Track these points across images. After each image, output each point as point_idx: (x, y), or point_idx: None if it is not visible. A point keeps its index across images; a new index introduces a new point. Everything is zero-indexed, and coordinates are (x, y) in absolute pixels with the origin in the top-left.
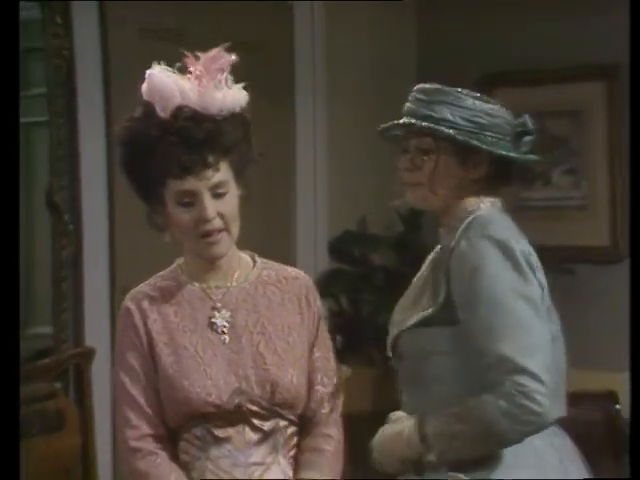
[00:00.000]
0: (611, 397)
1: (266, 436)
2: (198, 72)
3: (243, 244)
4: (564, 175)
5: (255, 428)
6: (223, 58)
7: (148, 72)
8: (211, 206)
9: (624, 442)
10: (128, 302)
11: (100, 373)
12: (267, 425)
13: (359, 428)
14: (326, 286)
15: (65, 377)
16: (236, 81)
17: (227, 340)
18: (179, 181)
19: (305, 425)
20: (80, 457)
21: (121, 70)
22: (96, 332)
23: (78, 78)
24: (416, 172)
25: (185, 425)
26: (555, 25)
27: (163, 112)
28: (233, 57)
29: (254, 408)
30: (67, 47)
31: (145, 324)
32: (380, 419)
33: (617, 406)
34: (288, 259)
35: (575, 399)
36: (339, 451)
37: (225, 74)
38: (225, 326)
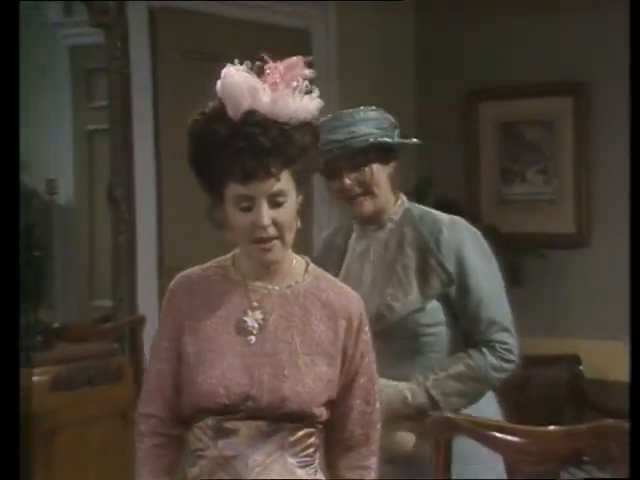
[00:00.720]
0: (575, 359)
1: (272, 434)
2: (275, 79)
3: None
4: (537, 174)
5: (262, 425)
6: (300, 68)
7: (224, 71)
8: (267, 214)
9: (584, 396)
10: (173, 284)
11: (150, 336)
12: (274, 425)
13: None
14: None
15: (122, 339)
16: None
17: (253, 341)
18: (239, 185)
19: (342, 448)
20: (134, 403)
21: (167, 86)
22: (147, 303)
23: (133, 93)
24: (357, 187)
25: (198, 414)
26: (531, 49)
27: (233, 113)
28: (309, 71)
29: (260, 414)
30: (124, 67)
31: (180, 309)
32: None
33: (580, 367)
34: (305, 248)
35: (546, 361)
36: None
37: (300, 83)
38: (254, 327)
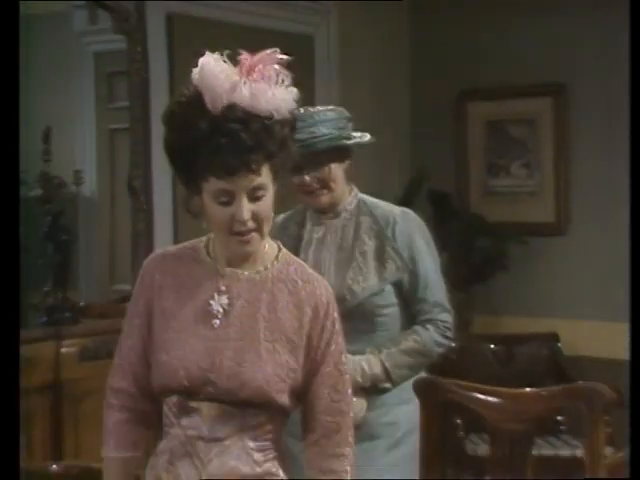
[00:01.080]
0: (554, 337)
1: (233, 416)
2: (249, 66)
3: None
4: (521, 168)
5: (223, 407)
6: (276, 56)
7: (201, 60)
8: (247, 208)
9: (563, 371)
10: (146, 262)
11: None
12: (236, 408)
13: None
14: None
15: None
16: None
17: (217, 325)
18: (220, 180)
19: (315, 437)
20: None
21: (185, 83)
22: None
23: (152, 94)
24: (316, 183)
25: (163, 392)
26: (515, 55)
27: (212, 106)
28: (286, 57)
29: (220, 397)
30: (144, 69)
31: (152, 287)
32: None
33: (558, 344)
34: None
35: (528, 338)
36: (352, 470)
37: (276, 75)
38: (219, 311)
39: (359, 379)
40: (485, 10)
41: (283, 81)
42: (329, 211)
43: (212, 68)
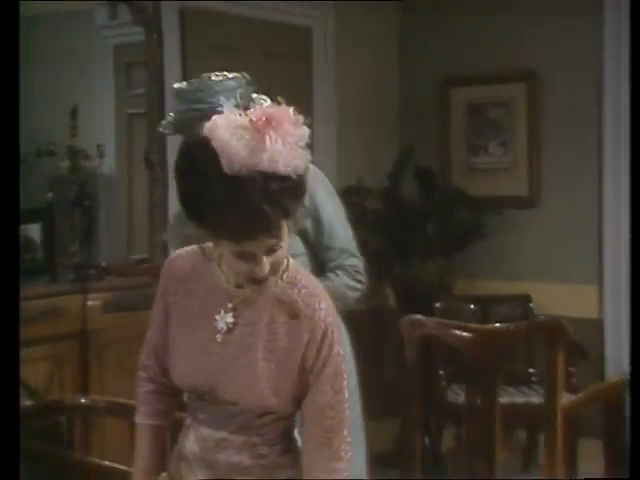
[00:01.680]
0: (527, 298)
1: (237, 416)
2: (265, 125)
3: None
4: (497, 147)
5: (227, 408)
6: (289, 114)
7: (214, 123)
8: (265, 264)
9: (536, 330)
10: (164, 268)
11: None
12: (238, 414)
13: (356, 320)
14: None
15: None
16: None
17: (220, 340)
18: (237, 244)
19: (307, 449)
20: None
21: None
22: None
23: (166, 80)
24: None
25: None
26: (492, 45)
27: (229, 169)
28: (298, 116)
29: (220, 404)
30: (159, 57)
31: (168, 292)
32: None
33: (530, 305)
34: None
35: (503, 300)
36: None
37: (292, 135)
38: (223, 328)
39: None
40: (467, 5)
41: (297, 141)
42: None
43: (227, 137)
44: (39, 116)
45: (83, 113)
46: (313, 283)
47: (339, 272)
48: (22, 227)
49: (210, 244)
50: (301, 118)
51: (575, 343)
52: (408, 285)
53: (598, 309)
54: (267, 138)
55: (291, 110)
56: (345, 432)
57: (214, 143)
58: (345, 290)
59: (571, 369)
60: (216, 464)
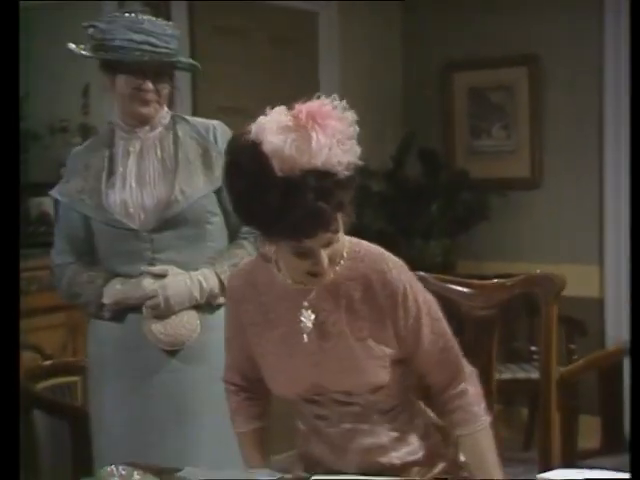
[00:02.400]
0: (533, 289)
1: (355, 402)
2: (312, 118)
3: None
4: (500, 130)
5: (343, 404)
6: (331, 109)
7: (258, 130)
8: (324, 258)
9: (536, 307)
10: (227, 285)
11: None
12: (355, 401)
13: None
14: None
15: None
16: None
17: (306, 340)
18: (296, 242)
19: (443, 392)
20: None
21: (203, 55)
22: None
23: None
24: (155, 94)
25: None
26: (495, 30)
27: (282, 172)
28: (351, 122)
29: (334, 398)
30: None
31: (238, 308)
32: None
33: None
34: None
35: (507, 287)
36: (479, 398)
37: (341, 133)
38: (308, 327)
39: (196, 295)
40: None
41: (344, 136)
42: (145, 124)
43: (277, 141)
44: (53, 95)
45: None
46: (372, 248)
47: (252, 239)
48: (37, 200)
49: (268, 248)
50: (348, 113)
51: (575, 320)
52: (412, 266)
53: (599, 289)
54: (314, 136)
55: (336, 105)
56: (463, 362)
57: (264, 147)
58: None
59: (572, 346)
60: (351, 452)
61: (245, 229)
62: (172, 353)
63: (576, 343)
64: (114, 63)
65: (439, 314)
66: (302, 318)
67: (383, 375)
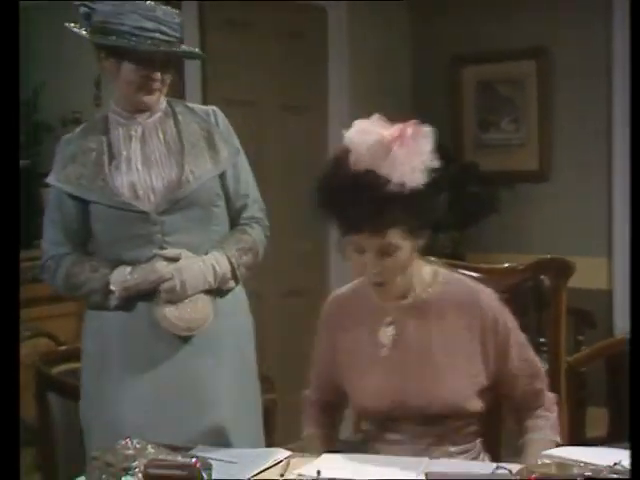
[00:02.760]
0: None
1: (430, 426)
2: (402, 137)
3: (290, 168)
4: (510, 123)
5: (420, 420)
6: (424, 130)
7: (358, 123)
8: (374, 263)
9: (544, 299)
10: (328, 303)
11: None
12: (431, 419)
13: None
14: None
15: None
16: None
17: (388, 354)
18: (352, 235)
19: (523, 411)
20: None
21: (212, 48)
22: None
23: (186, 65)
24: (159, 82)
25: (364, 416)
26: (503, 24)
27: (354, 165)
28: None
29: (413, 415)
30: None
31: (333, 325)
32: None
33: (542, 276)
34: None
35: (518, 271)
36: (555, 423)
37: (423, 149)
38: (388, 342)
39: (210, 279)
40: None
41: (421, 160)
42: (145, 111)
43: (360, 140)
44: (66, 87)
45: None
46: (464, 277)
47: (255, 225)
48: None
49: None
50: (430, 141)
51: (584, 312)
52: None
53: (607, 281)
54: (395, 150)
55: (424, 131)
56: (543, 371)
57: (349, 140)
58: (260, 244)
59: (580, 338)
60: None
61: (246, 215)
62: (184, 340)
63: (585, 335)
64: (122, 49)
65: (526, 342)
66: (380, 334)
67: (462, 395)
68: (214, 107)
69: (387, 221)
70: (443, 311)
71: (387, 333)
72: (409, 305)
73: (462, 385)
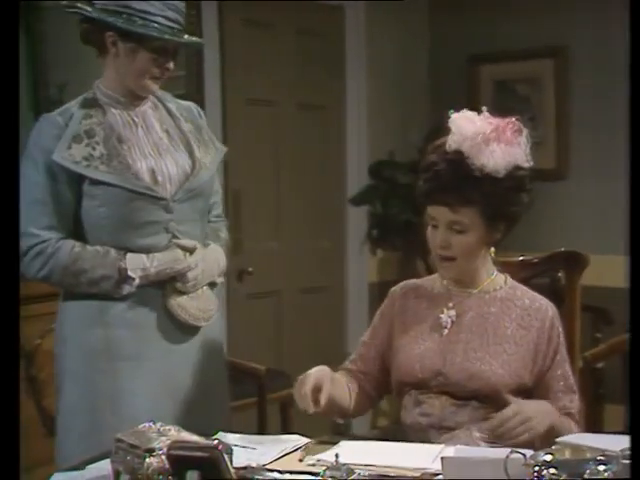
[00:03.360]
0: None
1: (461, 408)
2: (502, 130)
3: (308, 167)
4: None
5: (452, 400)
6: (520, 126)
7: (465, 113)
8: (444, 236)
9: (562, 296)
10: (394, 288)
11: None
12: (464, 400)
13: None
14: (366, 196)
15: None
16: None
17: (445, 333)
18: (428, 205)
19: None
20: None
21: (232, 48)
22: None
23: (205, 64)
24: (165, 70)
25: (401, 388)
26: (520, 23)
27: (449, 146)
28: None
29: (450, 390)
30: (198, 35)
31: (393, 308)
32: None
33: (559, 274)
34: (342, 178)
35: (532, 264)
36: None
37: (518, 141)
38: (447, 322)
39: (216, 272)
40: None
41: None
42: (141, 96)
43: (462, 128)
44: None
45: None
46: (528, 289)
47: (222, 225)
48: None
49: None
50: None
51: (601, 309)
52: None
53: (625, 279)
54: (492, 145)
55: (523, 130)
56: (575, 387)
57: (451, 123)
58: (226, 242)
59: (598, 335)
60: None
61: (216, 212)
62: (194, 329)
63: (602, 332)
64: (136, 36)
65: (568, 359)
66: (441, 315)
67: (501, 381)
68: (193, 103)
69: (463, 198)
70: (506, 308)
71: (448, 315)
72: (473, 295)
73: (505, 373)
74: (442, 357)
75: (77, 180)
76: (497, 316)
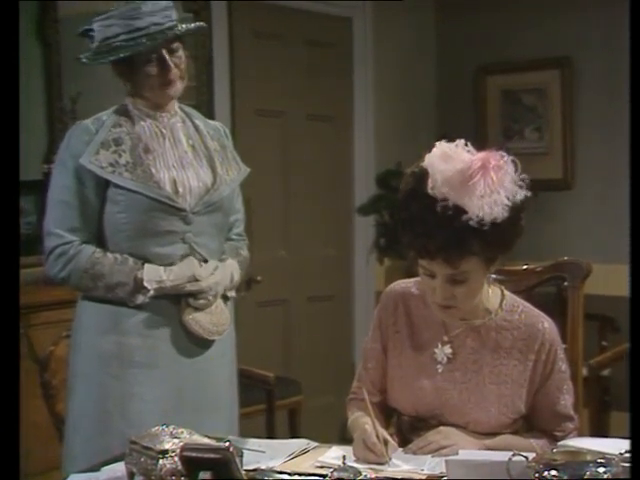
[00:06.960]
0: (562, 278)
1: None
2: (484, 169)
3: (316, 177)
4: (533, 131)
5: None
6: (507, 166)
7: (440, 146)
8: (444, 290)
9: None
10: (384, 295)
11: None
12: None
13: None
14: (373, 205)
15: None
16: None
17: (440, 371)
18: (422, 260)
19: (556, 431)
20: None
21: (241, 58)
22: None
23: (215, 76)
24: (176, 71)
25: (397, 413)
26: (527, 34)
27: (431, 190)
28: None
29: (447, 424)
30: (208, 45)
31: (387, 322)
32: None
33: (565, 283)
34: (349, 188)
35: (536, 272)
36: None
37: (505, 184)
38: (443, 359)
39: (229, 286)
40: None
41: (502, 195)
42: (166, 106)
43: (440, 167)
44: (102, 95)
45: (116, 84)
46: (530, 307)
47: (243, 243)
48: None
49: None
50: (513, 173)
51: (607, 317)
52: None
53: None
54: (476, 182)
55: (508, 163)
56: (572, 392)
57: (431, 166)
58: (247, 263)
59: (604, 343)
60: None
61: (237, 231)
62: (206, 344)
63: (608, 340)
64: (129, 57)
65: (567, 371)
66: (436, 350)
67: (499, 423)
68: (220, 123)
69: (461, 252)
70: (502, 340)
71: (444, 351)
72: (470, 327)
73: (502, 413)
74: (438, 397)
75: (103, 185)
76: (492, 351)
